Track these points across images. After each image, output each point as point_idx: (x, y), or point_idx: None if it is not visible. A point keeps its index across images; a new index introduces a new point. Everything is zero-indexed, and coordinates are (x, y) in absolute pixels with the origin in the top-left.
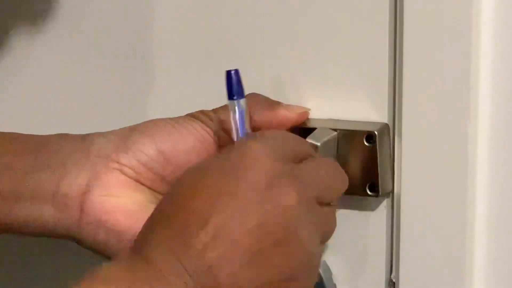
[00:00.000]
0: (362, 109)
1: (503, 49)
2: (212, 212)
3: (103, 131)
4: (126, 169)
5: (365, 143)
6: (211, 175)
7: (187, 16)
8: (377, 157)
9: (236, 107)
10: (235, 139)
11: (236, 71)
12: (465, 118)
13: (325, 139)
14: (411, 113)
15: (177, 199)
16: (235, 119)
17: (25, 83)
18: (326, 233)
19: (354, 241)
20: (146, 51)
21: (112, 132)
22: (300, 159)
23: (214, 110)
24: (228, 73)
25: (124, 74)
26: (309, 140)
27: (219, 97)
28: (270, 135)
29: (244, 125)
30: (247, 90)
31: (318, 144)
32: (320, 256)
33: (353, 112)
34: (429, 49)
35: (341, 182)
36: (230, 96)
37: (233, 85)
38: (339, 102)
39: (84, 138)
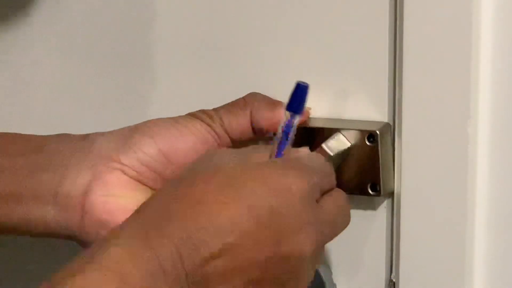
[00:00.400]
0: (363, 109)
1: (503, 49)
2: (230, 229)
3: (103, 131)
4: (127, 169)
5: (367, 142)
6: (245, 185)
7: (188, 15)
8: (378, 157)
9: (292, 120)
10: (275, 148)
11: (307, 86)
12: (465, 118)
13: (339, 151)
14: (411, 113)
15: (201, 199)
16: (285, 131)
17: (24, 83)
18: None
19: (354, 241)
20: (146, 50)
21: (113, 132)
22: (325, 192)
23: (215, 110)
24: (301, 86)
25: (125, 73)
26: (324, 146)
27: (220, 97)
28: (310, 167)
29: (288, 139)
30: (248, 89)
31: (332, 154)
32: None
33: (354, 111)
34: (429, 49)
35: (346, 223)
36: (292, 108)
37: (301, 99)
38: (340, 101)
39: (85, 138)
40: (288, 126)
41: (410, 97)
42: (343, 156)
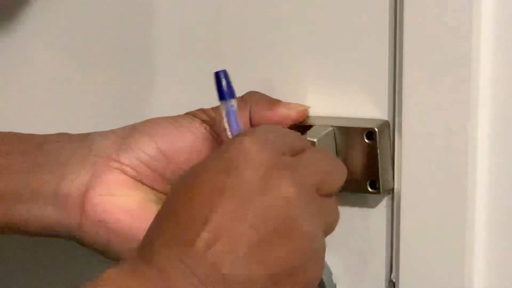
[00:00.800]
0: (362, 106)
1: (503, 49)
2: (210, 211)
3: (103, 130)
4: (126, 168)
5: (366, 140)
6: (206, 174)
7: (188, 14)
8: (377, 154)
9: (228, 107)
10: (229, 137)
11: (224, 71)
12: (465, 116)
13: (322, 134)
14: (411, 111)
15: (175, 202)
16: (228, 119)
17: (23, 82)
18: (328, 224)
19: (354, 240)
20: (146, 50)
21: (112, 131)
22: (296, 152)
23: (214, 108)
24: (217, 74)
25: (124, 73)
26: (307, 137)
27: None
28: (263, 130)
29: (238, 125)
30: (247, 88)
31: (315, 140)
32: (325, 247)
33: (353, 109)
34: (429, 47)
35: (340, 172)
36: (221, 96)
37: (222, 86)
38: (339, 99)
39: (84, 137)
40: (230, 113)
41: (410, 95)
42: (332, 142)
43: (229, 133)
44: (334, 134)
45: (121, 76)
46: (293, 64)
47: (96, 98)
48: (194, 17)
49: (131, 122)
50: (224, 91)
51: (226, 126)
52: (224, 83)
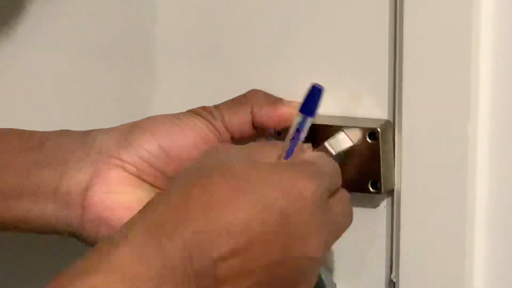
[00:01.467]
0: (364, 106)
1: (503, 49)
2: (241, 232)
3: (104, 128)
4: (127, 166)
5: (368, 140)
6: (256, 187)
7: (190, 13)
8: (379, 154)
9: (304, 122)
10: (287, 143)
11: (322, 89)
12: (465, 115)
13: (341, 150)
14: (411, 111)
15: (211, 199)
16: (297, 132)
17: (25, 80)
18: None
19: (354, 240)
20: (147, 48)
21: (114, 129)
22: (332, 194)
23: (216, 106)
24: (316, 89)
25: (126, 71)
26: (326, 144)
27: (221, 95)
28: (321, 169)
29: (298, 140)
30: (249, 87)
31: (334, 153)
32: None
33: (355, 109)
34: (429, 47)
35: (349, 223)
36: (306, 110)
37: (315, 101)
38: (340, 99)
39: (85, 135)
40: (301, 128)
41: (411, 95)
42: (345, 154)
43: (287, 143)
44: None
45: (122, 74)
46: (294, 64)
47: (98, 96)
48: (194, 16)
49: (133, 120)
50: (312, 107)
51: (289, 135)
52: (317, 100)
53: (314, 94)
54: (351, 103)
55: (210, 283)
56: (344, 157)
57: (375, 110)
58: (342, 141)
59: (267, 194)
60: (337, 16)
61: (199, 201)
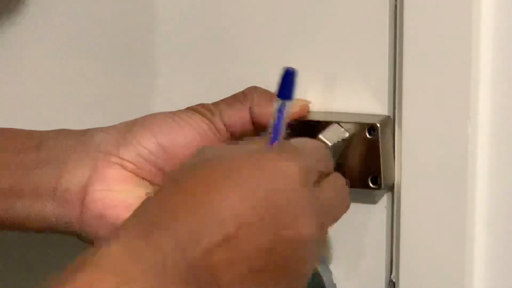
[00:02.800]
0: (363, 101)
1: (503, 48)
2: (230, 219)
3: (103, 126)
4: (126, 164)
5: (367, 135)
6: (242, 173)
7: (189, 12)
8: (379, 150)
9: (282, 107)
10: (270, 133)
11: (295, 71)
12: (465, 112)
13: (337, 140)
14: (411, 107)
15: (198, 191)
16: (277, 118)
17: (24, 79)
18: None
19: (354, 238)
20: (146, 46)
21: (112, 127)
22: (323, 176)
23: (215, 104)
24: (288, 71)
25: (125, 69)
26: (321, 137)
27: (220, 92)
28: (306, 151)
29: (282, 125)
30: (248, 83)
31: (330, 144)
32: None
33: (354, 104)
34: (429, 43)
35: (346, 206)
36: (282, 94)
37: (289, 84)
38: (340, 95)
39: (84, 133)
40: (280, 112)
41: (411, 91)
42: (342, 147)
43: (270, 131)
44: (347, 137)
45: (121, 72)
46: (294, 60)
47: (97, 95)
48: (195, 14)
49: (132, 118)
50: (287, 90)
51: (272, 122)
52: (291, 82)
53: (288, 77)
54: (351, 99)
55: (204, 274)
56: (344, 153)
57: (375, 106)
58: (336, 132)
59: (252, 179)
60: (336, 11)
61: (185, 195)
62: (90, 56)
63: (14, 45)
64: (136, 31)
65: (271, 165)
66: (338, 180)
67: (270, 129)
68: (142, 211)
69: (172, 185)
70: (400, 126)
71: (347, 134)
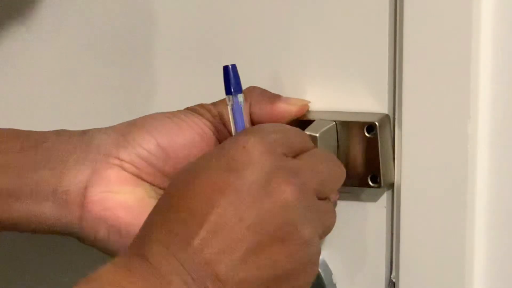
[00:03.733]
0: (363, 100)
1: (503, 48)
2: (209, 210)
3: (104, 126)
4: (126, 165)
5: (366, 134)
6: (207, 172)
7: (188, 12)
8: (378, 148)
9: (234, 102)
10: (233, 133)
11: (233, 66)
12: (465, 111)
13: (323, 129)
14: (411, 106)
15: (174, 198)
16: (233, 114)
17: (25, 79)
18: (325, 228)
19: (354, 237)
20: (146, 47)
21: (112, 128)
22: (298, 152)
23: (214, 104)
24: (226, 68)
25: (125, 70)
26: (307, 132)
27: (220, 92)
28: (267, 129)
29: (242, 120)
30: (248, 83)
31: (317, 135)
32: (320, 252)
33: (354, 103)
34: (429, 42)
35: (339, 175)
36: (228, 91)
37: (231, 80)
38: (340, 94)
39: (84, 134)
40: (236, 108)
41: (411, 90)
42: (333, 137)
43: (233, 128)
44: (336, 128)
45: (121, 73)
46: (294, 59)
47: (96, 96)
48: (194, 15)
49: (132, 118)
50: (231, 85)
51: (231, 121)
52: (232, 77)
53: (228, 74)
54: (350, 97)
55: (200, 270)
56: (343, 152)
57: (374, 105)
58: (321, 122)
59: (217, 171)
60: (336, 10)
61: (178, 212)
62: (90, 56)
63: (12, 45)
64: (135, 31)
65: (229, 143)
66: (317, 151)
67: (232, 127)
68: (140, 230)
69: (164, 201)
70: (400, 126)
71: (333, 123)
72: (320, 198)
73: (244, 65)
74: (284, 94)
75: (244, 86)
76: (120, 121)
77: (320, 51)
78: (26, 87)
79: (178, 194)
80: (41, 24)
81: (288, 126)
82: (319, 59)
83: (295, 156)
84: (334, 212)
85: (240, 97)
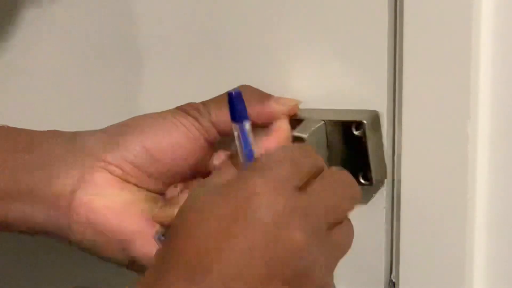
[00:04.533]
0: (363, 100)
1: (504, 47)
2: (219, 256)
3: (98, 128)
4: (112, 168)
5: (354, 132)
6: (214, 215)
7: (183, 13)
8: (367, 146)
9: (240, 130)
10: (240, 160)
11: (238, 92)
12: (465, 109)
13: (312, 129)
14: (410, 104)
15: (180, 242)
16: (240, 142)
17: (21, 79)
18: (339, 256)
19: (354, 238)
20: (140, 48)
21: (102, 130)
22: (308, 178)
23: (204, 103)
24: (230, 95)
25: (119, 70)
26: (295, 133)
27: (214, 93)
28: (275, 160)
29: (250, 147)
30: (238, 83)
31: (305, 136)
32: (332, 284)
33: (353, 103)
34: (429, 41)
35: (353, 195)
36: (234, 118)
37: (236, 107)
38: (339, 93)
39: (75, 136)
40: (243, 135)
41: (410, 88)
42: (323, 136)
43: (240, 156)
44: (326, 128)
45: (114, 73)
46: (290, 57)
47: (90, 97)
48: (189, 15)
49: (125, 118)
50: (237, 112)
51: (238, 148)
52: (237, 103)
53: (235, 100)
54: (349, 96)
55: None
56: (333, 151)
57: (375, 105)
58: (309, 123)
59: (225, 219)
60: (332, 6)
61: (187, 256)
62: (83, 57)
63: (11, 45)
64: (127, 32)
65: (245, 192)
66: (329, 177)
67: (240, 155)
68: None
69: (171, 243)
70: (400, 126)
71: (321, 122)
72: (332, 227)
73: (239, 64)
74: (276, 92)
75: (234, 85)
76: (114, 121)
77: (317, 48)
78: (24, 87)
79: (184, 238)
80: (36, 24)
81: (296, 148)
82: (317, 58)
83: (306, 183)
84: (349, 231)
85: (247, 125)
